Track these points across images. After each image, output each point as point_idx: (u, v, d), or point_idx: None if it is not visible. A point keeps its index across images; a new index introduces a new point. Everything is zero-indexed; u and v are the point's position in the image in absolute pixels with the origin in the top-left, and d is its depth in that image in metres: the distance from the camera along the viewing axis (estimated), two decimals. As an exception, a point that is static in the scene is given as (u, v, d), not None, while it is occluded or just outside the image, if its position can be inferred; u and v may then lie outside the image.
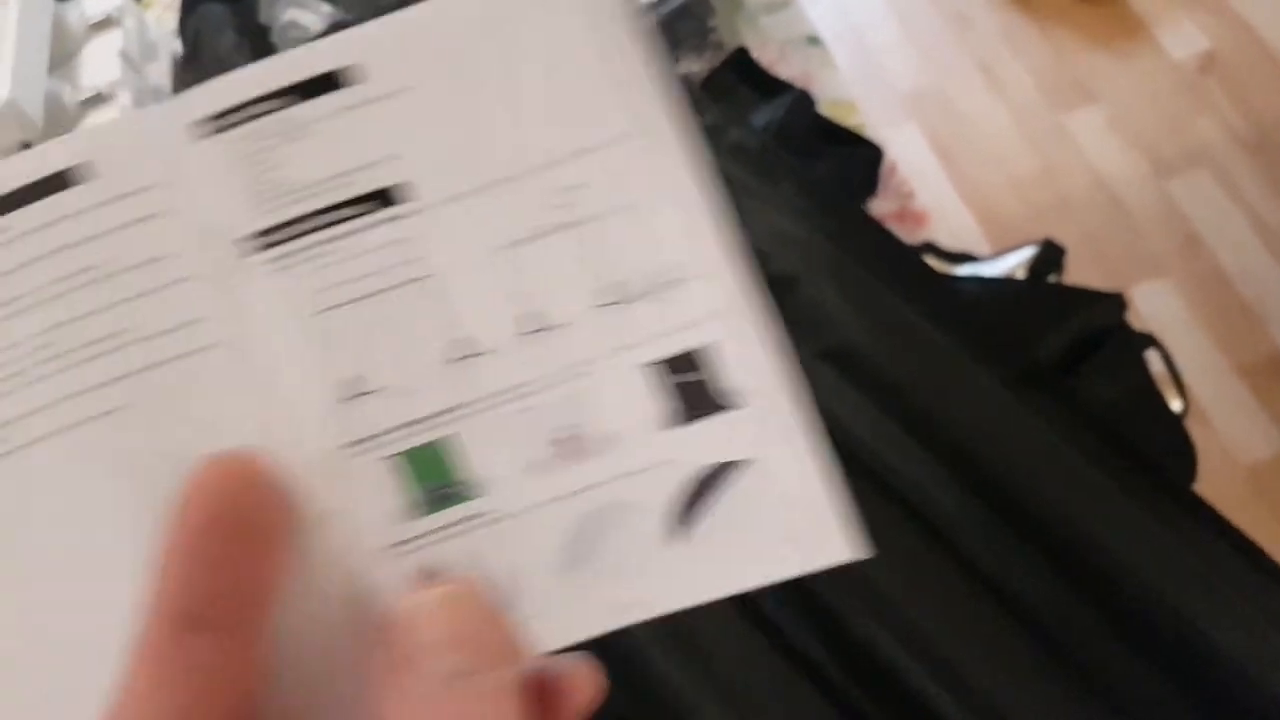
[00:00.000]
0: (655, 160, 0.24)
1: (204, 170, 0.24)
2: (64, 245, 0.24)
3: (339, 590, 0.23)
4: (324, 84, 0.24)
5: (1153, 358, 0.62)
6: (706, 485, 0.24)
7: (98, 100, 0.70)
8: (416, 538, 0.23)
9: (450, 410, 0.24)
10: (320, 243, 0.24)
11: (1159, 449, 0.58)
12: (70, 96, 0.70)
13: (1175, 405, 0.63)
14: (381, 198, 0.24)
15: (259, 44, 0.61)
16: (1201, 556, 0.50)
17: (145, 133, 0.24)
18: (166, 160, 0.24)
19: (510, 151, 0.24)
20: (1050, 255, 0.68)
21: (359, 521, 0.23)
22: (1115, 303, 0.59)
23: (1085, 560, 0.50)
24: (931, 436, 0.52)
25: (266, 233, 0.24)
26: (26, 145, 0.67)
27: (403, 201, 0.24)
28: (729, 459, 0.24)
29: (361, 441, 0.23)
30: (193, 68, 0.65)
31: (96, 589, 0.23)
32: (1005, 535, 0.50)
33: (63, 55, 0.72)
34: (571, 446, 0.24)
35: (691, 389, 0.24)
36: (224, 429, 0.23)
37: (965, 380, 0.53)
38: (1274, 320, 1.35)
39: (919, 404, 0.52)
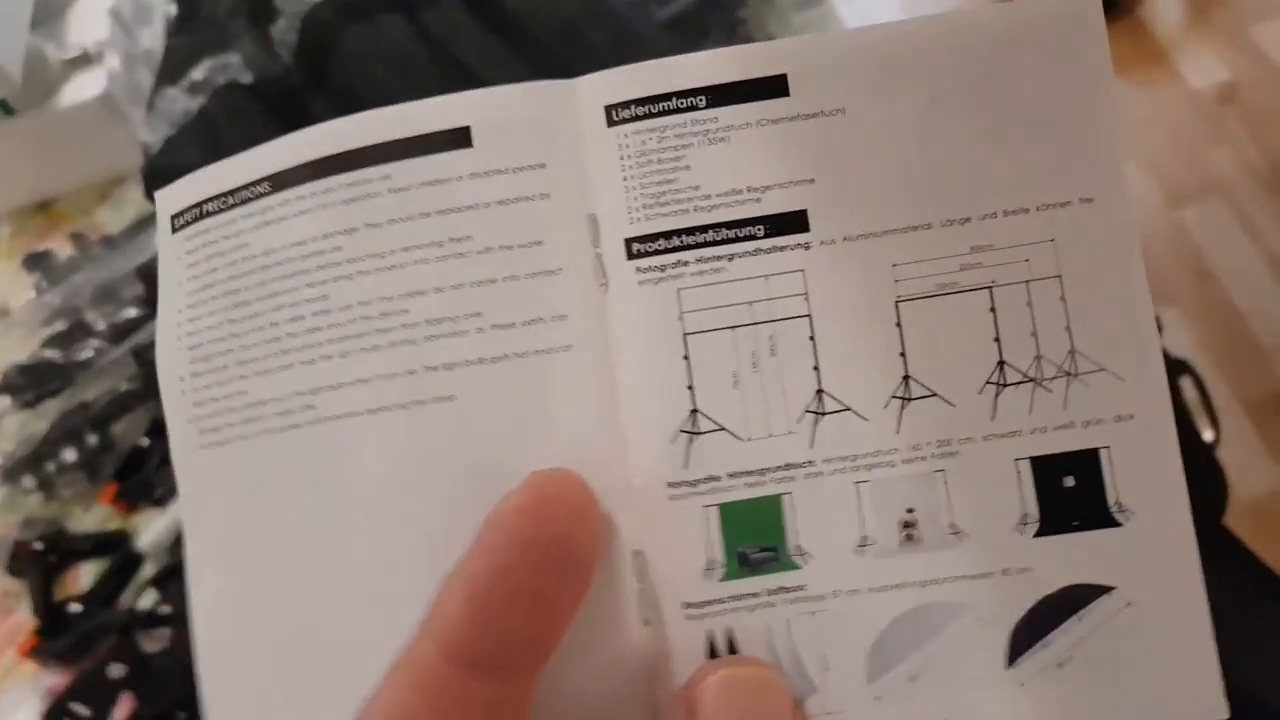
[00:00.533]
0: (1102, 236, 0.21)
1: (606, 158, 0.22)
2: (440, 209, 0.22)
3: (625, 638, 0.21)
4: (747, 90, 0.22)
5: (1186, 385, 0.59)
6: (1062, 607, 0.21)
7: (84, 61, 0.66)
8: (721, 600, 0.21)
9: (794, 466, 0.21)
10: (708, 259, 0.22)
11: (1189, 479, 0.55)
12: (54, 54, 0.66)
13: (1207, 435, 0.60)
14: (780, 222, 0.22)
15: (258, 8, 0.58)
16: (1233, 598, 0.47)
17: (546, 107, 0.22)
18: (570, 142, 0.22)
19: (931, 195, 0.21)
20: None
21: (663, 570, 0.21)
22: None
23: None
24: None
25: (654, 237, 0.22)
26: (3, 103, 0.63)
27: (802, 231, 0.22)
28: (1096, 581, 0.21)
29: (692, 484, 0.21)
30: (186, 30, 0.61)
31: (379, 585, 0.21)
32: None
33: (50, 11, 0.68)
34: (916, 531, 0.21)
35: (1069, 495, 0.21)
36: (557, 441, 0.21)
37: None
38: (1286, 358, 1.33)
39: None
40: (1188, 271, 1.42)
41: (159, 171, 0.57)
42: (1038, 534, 0.21)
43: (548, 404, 0.21)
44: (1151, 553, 0.21)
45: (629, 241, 0.22)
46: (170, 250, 0.24)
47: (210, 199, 0.23)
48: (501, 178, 0.22)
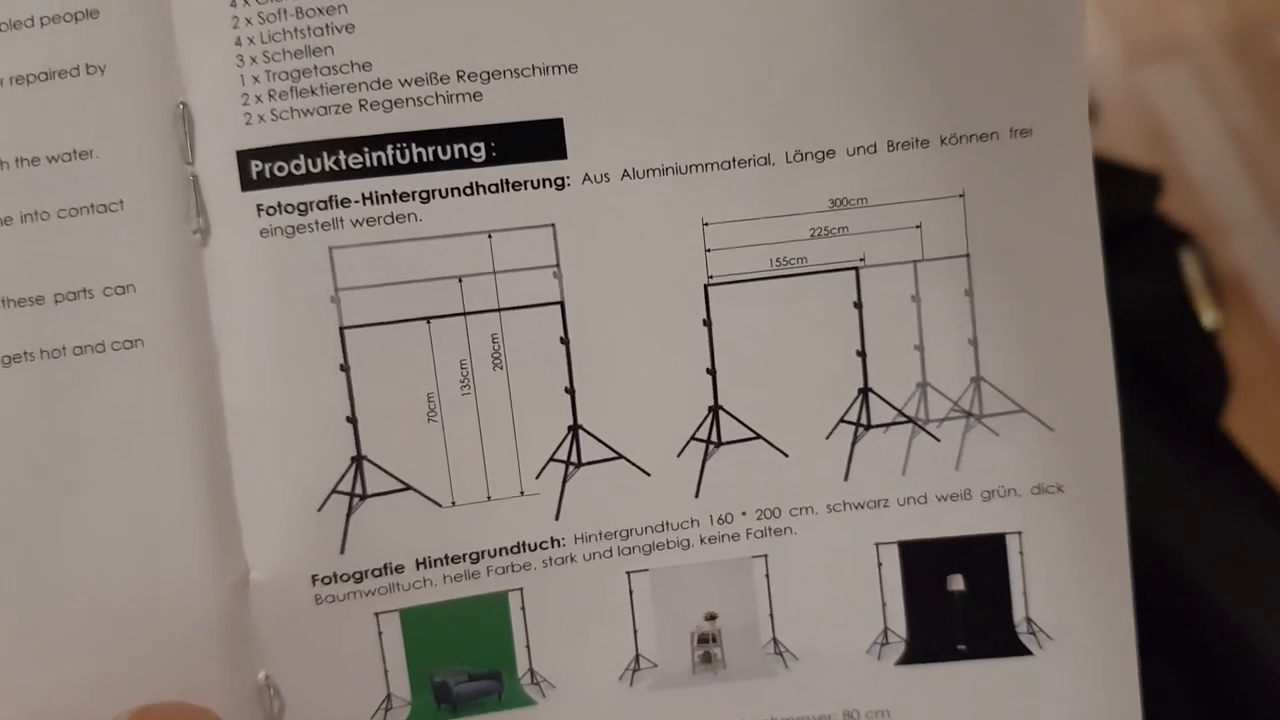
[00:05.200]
0: (1041, 189, 0.16)
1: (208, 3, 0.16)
2: None
3: None
4: None
5: (1188, 260, 0.51)
6: None
7: None
8: None
9: (529, 549, 0.16)
10: (386, 198, 0.15)
11: (1187, 372, 0.48)
12: None
13: (1208, 318, 0.52)
14: (516, 138, 0.15)
15: None
16: (1231, 516, 0.41)
17: None
18: None
19: (773, 110, 0.16)
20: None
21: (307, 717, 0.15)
22: (1149, 185, 0.47)
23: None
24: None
25: (290, 152, 0.14)
26: None
27: (554, 155, 0.16)
28: None
29: (354, 577, 0.16)
30: None
31: None
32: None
33: None
34: (717, 649, 0.16)
35: (956, 606, 0.15)
36: (101, 510, 0.16)
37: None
38: (1237, 234, 1.28)
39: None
40: (1143, 136, 1.36)
41: None
42: (903, 662, 0.15)
43: (89, 443, 0.14)
44: (1083, 696, 0.15)
45: (246, 158, 0.14)
46: None
47: None
48: (12, 35, 0.13)
